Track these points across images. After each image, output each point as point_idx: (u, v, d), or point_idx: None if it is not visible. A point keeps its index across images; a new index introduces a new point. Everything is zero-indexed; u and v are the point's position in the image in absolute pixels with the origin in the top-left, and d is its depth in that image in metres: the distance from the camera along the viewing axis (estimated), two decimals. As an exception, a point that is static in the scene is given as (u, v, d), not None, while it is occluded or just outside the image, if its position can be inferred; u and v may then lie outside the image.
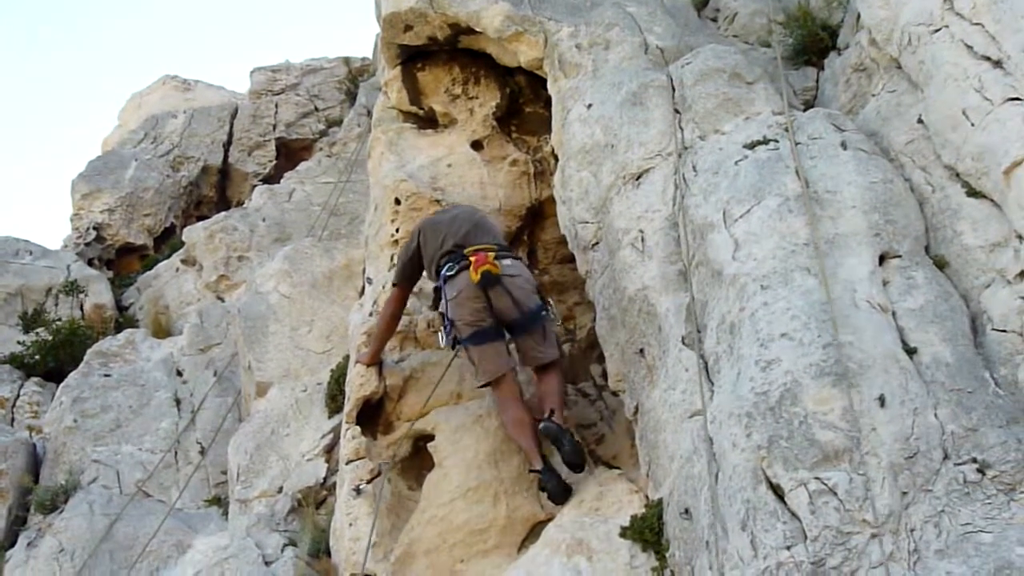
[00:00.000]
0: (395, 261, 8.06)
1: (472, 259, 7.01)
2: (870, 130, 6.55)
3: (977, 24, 5.84)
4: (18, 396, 12.05)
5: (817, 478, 4.55)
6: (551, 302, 7.49)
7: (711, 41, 8.22)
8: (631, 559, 5.88)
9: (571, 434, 6.91)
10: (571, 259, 7.87)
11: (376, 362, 7.92)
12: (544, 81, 8.67)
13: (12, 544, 9.68)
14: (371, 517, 7.17)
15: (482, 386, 7.30)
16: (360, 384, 7.98)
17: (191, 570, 8.23)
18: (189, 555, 8.57)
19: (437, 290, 7.42)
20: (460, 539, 6.84)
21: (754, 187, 6.01)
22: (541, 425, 6.79)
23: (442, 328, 7.29)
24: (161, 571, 8.80)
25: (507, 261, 7.14)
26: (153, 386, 11.50)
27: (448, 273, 7.14)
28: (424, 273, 7.67)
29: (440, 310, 7.46)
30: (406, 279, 7.77)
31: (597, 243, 7.12)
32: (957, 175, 5.76)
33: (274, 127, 18.68)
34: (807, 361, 4.94)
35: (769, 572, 4.44)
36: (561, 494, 6.74)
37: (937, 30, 6.14)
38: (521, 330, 7.13)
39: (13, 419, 11.74)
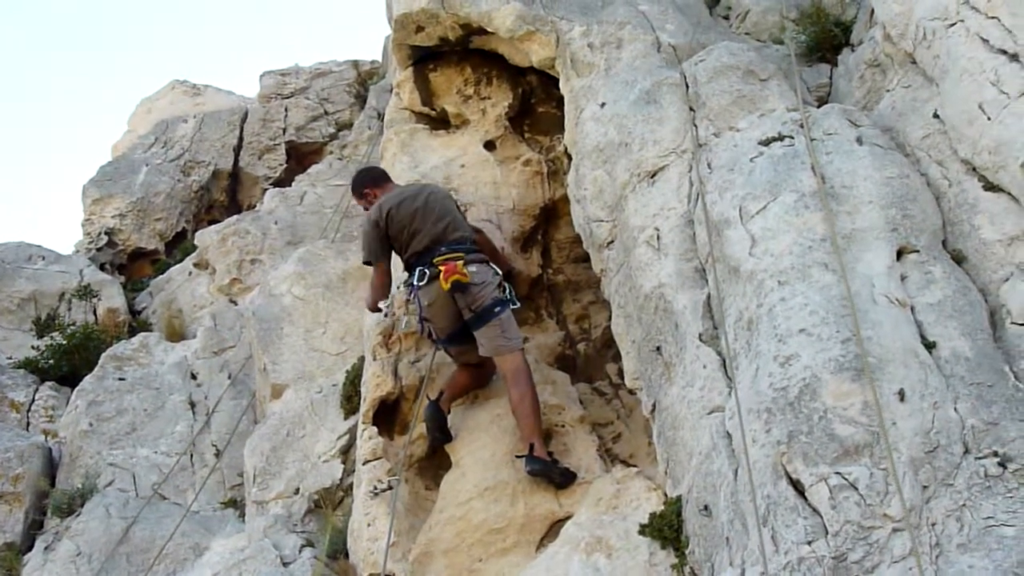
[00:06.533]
0: (362, 241, 8.06)
1: (442, 268, 7.26)
2: (885, 125, 6.52)
3: (993, 18, 5.82)
4: (33, 400, 12.07)
5: (838, 473, 4.55)
6: (511, 294, 7.60)
7: (723, 39, 8.21)
8: (650, 556, 5.88)
9: (556, 463, 7.02)
10: (586, 258, 7.87)
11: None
12: (556, 81, 8.66)
13: (29, 548, 9.77)
14: (388, 517, 7.17)
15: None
16: (376, 384, 8.01)
17: (208, 572, 8.25)
18: (206, 557, 8.60)
19: (410, 287, 7.59)
20: (478, 538, 6.83)
21: (770, 183, 6.01)
22: (527, 467, 6.86)
23: (415, 316, 7.63)
24: (178, 573, 8.86)
25: (473, 267, 7.37)
26: (168, 389, 11.51)
27: (420, 283, 7.39)
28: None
29: (412, 304, 7.68)
30: (383, 255, 7.84)
31: (612, 241, 7.12)
32: (974, 169, 5.73)
33: (284, 131, 18.66)
34: (826, 356, 4.94)
35: (790, 567, 4.44)
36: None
37: (952, 24, 6.12)
38: (478, 324, 7.31)
39: (28, 423, 11.77)
